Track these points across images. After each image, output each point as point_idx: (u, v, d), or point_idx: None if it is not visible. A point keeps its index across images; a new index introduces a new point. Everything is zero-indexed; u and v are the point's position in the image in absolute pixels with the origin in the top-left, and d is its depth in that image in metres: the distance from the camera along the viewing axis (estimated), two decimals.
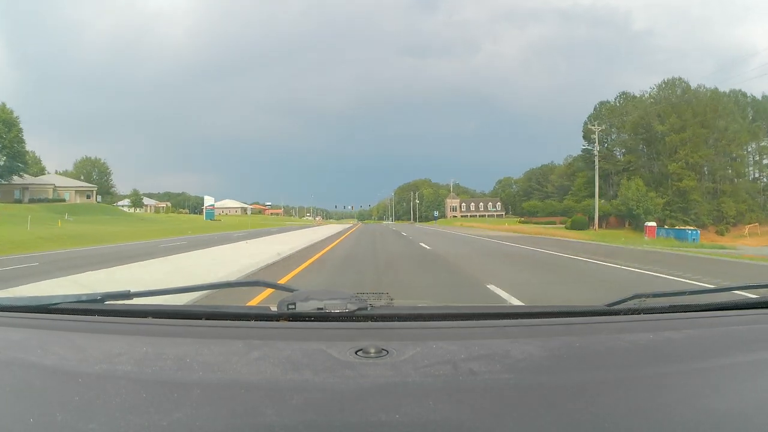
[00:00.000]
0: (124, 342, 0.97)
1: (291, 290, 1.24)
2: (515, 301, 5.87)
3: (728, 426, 0.69)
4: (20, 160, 55.91)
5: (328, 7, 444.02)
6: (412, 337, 1.00)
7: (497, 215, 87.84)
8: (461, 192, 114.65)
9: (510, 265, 11.30)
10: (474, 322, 1.15)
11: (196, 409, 0.69)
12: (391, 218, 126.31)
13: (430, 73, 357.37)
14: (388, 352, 0.88)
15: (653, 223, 31.79)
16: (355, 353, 0.88)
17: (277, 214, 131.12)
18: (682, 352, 0.98)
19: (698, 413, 0.72)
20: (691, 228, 32.29)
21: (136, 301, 1.30)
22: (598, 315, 1.23)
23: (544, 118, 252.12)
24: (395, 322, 1.12)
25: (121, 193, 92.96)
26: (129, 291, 1.29)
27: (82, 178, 75.85)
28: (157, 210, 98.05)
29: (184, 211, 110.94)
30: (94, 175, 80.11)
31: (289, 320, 1.11)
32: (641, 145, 56.59)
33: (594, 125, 47.52)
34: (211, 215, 78.26)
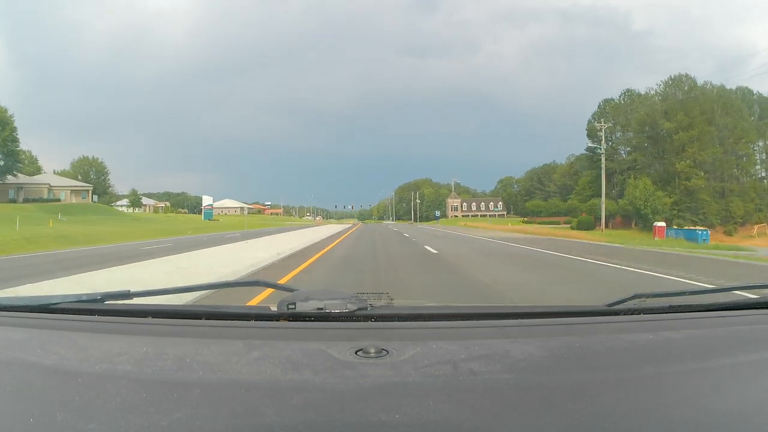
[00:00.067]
0: (124, 342, 0.97)
1: (291, 290, 1.24)
2: None
3: (729, 426, 0.69)
4: (14, 159, 55.75)
5: (328, 7, 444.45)
6: (412, 337, 1.00)
7: (498, 215, 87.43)
8: (462, 191, 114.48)
9: (541, 276, 9.42)
10: (474, 322, 1.15)
11: (196, 409, 0.69)
12: (391, 218, 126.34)
13: (430, 73, 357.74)
14: (388, 352, 0.88)
15: (662, 224, 31.32)
16: (355, 353, 0.88)
17: (277, 214, 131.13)
18: (682, 352, 0.98)
19: (698, 413, 0.72)
20: (701, 228, 31.79)
21: (136, 300, 1.30)
22: (598, 315, 1.23)
23: (544, 118, 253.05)
24: (395, 322, 1.12)
25: (121, 193, 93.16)
26: (129, 291, 1.29)
27: (79, 177, 75.63)
28: (155, 210, 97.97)
29: (183, 211, 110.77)
30: (92, 174, 79.89)
31: (289, 320, 1.11)
32: (646, 144, 55.70)
33: (600, 122, 46.68)
34: (209, 215, 77.91)
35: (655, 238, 27.05)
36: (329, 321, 1.09)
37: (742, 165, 54.70)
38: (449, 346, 0.92)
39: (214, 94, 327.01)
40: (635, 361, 0.91)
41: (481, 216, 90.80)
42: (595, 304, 1.30)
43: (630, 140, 58.27)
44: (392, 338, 0.96)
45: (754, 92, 56.38)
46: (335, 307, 1.09)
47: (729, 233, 46.26)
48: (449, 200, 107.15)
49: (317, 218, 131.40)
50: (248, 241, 17.95)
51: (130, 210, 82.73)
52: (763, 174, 57.28)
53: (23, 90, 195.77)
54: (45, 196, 60.09)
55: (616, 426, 0.67)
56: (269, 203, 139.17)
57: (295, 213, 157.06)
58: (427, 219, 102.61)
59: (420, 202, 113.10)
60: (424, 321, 1.15)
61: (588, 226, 47.05)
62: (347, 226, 58.68)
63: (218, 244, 16.55)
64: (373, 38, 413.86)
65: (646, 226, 42.70)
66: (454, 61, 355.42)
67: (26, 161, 66.96)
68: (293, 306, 1.10)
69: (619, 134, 59.88)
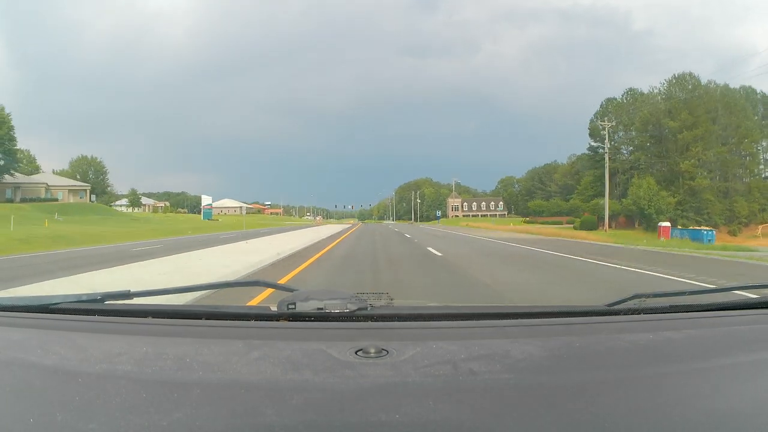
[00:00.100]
0: (124, 342, 0.97)
1: (291, 290, 1.24)
2: None
3: (728, 426, 0.69)
4: (12, 158, 55.51)
5: (328, 7, 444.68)
6: (412, 337, 1.00)
7: (499, 215, 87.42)
8: (463, 191, 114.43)
9: (560, 282, 8.51)
10: (474, 322, 1.15)
11: (196, 409, 0.69)
12: (391, 218, 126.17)
13: (430, 73, 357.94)
14: (388, 352, 0.88)
15: (667, 224, 30.95)
16: (355, 353, 0.88)
17: (277, 214, 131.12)
18: (682, 352, 0.98)
19: (698, 413, 0.72)
20: (707, 228, 31.32)
21: (136, 300, 1.30)
22: (598, 315, 1.23)
23: (544, 117, 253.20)
24: (395, 322, 1.11)
25: (120, 193, 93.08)
26: (129, 291, 1.29)
27: (78, 177, 75.44)
28: (155, 210, 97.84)
29: (182, 210, 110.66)
30: (90, 174, 79.69)
31: (289, 320, 1.11)
32: (649, 143, 55.03)
33: (604, 121, 45.98)
34: (208, 215, 77.59)
35: (661, 239, 26.68)
36: (329, 321, 1.09)
37: (746, 164, 54.27)
38: (449, 346, 0.92)
39: (214, 94, 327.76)
40: (635, 361, 0.91)
41: (481, 216, 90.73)
42: (595, 304, 1.30)
43: (633, 139, 57.76)
44: (392, 338, 0.96)
45: (758, 91, 55.91)
46: (335, 307, 1.08)
47: (733, 233, 45.94)
48: (450, 200, 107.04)
49: (317, 218, 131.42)
50: (238, 243, 17.21)
51: (130, 210, 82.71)
52: (767, 174, 56.68)
53: (23, 90, 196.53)
54: (42, 196, 59.94)
55: (616, 426, 0.67)
56: (269, 203, 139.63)
57: (295, 213, 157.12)
58: (428, 219, 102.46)
59: (420, 202, 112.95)
60: (424, 321, 1.14)
61: (591, 226, 46.57)
62: (347, 226, 58.49)
63: (211, 246, 15.79)
64: (373, 38, 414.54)
65: (650, 226, 42.26)
66: (454, 61, 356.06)
67: (25, 161, 66.88)
68: (293, 306, 1.10)
69: (621, 133, 59.19)
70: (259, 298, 4.91)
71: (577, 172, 70.61)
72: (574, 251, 15.50)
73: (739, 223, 49.32)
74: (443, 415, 0.68)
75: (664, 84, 55.34)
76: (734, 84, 54.28)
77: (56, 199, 60.57)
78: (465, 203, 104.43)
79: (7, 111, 52.85)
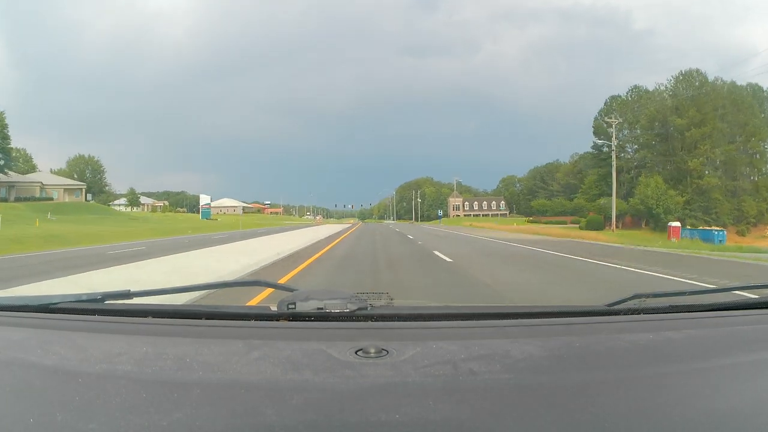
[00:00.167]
0: (124, 342, 0.97)
1: (291, 290, 1.24)
2: None
3: (728, 426, 0.69)
4: (6, 157, 55.40)
5: (328, 7, 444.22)
6: (412, 337, 1.00)
7: (501, 214, 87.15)
8: (464, 191, 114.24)
9: (589, 293, 7.27)
10: (474, 322, 1.15)
11: (196, 409, 0.69)
12: (392, 217, 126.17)
13: (430, 73, 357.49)
14: (388, 352, 0.88)
15: (677, 224, 30.08)
16: (355, 353, 0.88)
17: (277, 213, 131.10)
18: (683, 352, 0.98)
19: (698, 413, 0.72)
20: (717, 228, 30.93)
21: (136, 300, 1.30)
22: (598, 315, 1.23)
23: (544, 117, 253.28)
24: (395, 322, 1.11)
25: (119, 192, 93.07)
26: (129, 291, 1.29)
27: (75, 176, 75.34)
28: (153, 209, 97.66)
29: (182, 210, 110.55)
30: (88, 173, 79.55)
31: (289, 320, 1.11)
32: (655, 141, 54.02)
33: (611, 118, 44.72)
34: (207, 214, 77.17)
35: (672, 239, 26.02)
36: (329, 321, 1.09)
37: (755, 163, 53.52)
38: (449, 346, 0.92)
39: (214, 94, 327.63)
40: (635, 361, 0.91)
41: (483, 215, 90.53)
42: (595, 303, 1.30)
43: (638, 138, 56.80)
44: (392, 338, 0.96)
45: (765, 89, 54.93)
46: (335, 306, 1.08)
47: (741, 233, 45.42)
48: (451, 199, 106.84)
49: (317, 218, 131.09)
50: (227, 245, 16.20)
51: (128, 209, 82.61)
52: None
53: (23, 90, 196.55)
54: (37, 195, 59.89)
55: (616, 426, 0.67)
56: (268, 202, 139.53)
57: (295, 212, 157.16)
58: (428, 218, 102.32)
59: (421, 202, 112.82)
60: (424, 321, 1.14)
61: (597, 226, 45.89)
62: (347, 225, 58.20)
63: (200, 247, 14.75)
64: (373, 38, 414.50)
65: (658, 226, 41.75)
66: (454, 61, 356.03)
67: (21, 160, 66.80)
68: (293, 306, 1.10)
69: (626, 131, 57.77)
70: (259, 298, 4.90)
71: (580, 171, 70.12)
72: (589, 253, 13.97)
73: (747, 223, 48.77)
74: (443, 415, 0.68)
75: (670, 81, 54.54)
76: (738, 82, 53.63)
77: (51, 199, 60.54)
78: (466, 203, 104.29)
79: (1, 109, 52.94)
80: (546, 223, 61.26)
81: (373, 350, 0.88)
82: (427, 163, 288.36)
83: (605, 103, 63.20)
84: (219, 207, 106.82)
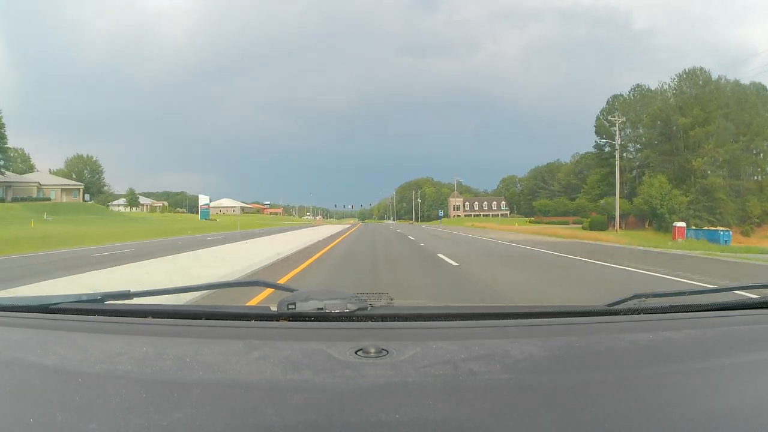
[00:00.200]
0: (124, 342, 0.97)
1: (291, 290, 1.24)
2: None
3: (728, 426, 0.69)
4: (3, 156, 55.33)
5: (328, 7, 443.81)
6: (412, 337, 1.00)
7: (501, 215, 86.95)
8: (464, 191, 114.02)
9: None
10: (474, 322, 1.15)
11: (196, 409, 0.69)
12: (392, 218, 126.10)
13: (430, 73, 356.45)
14: (388, 352, 0.88)
15: (683, 224, 29.27)
16: (355, 353, 0.88)
17: (276, 214, 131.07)
18: (682, 352, 0.98)
19: (698, 413, 0.72)
20: (723, 228, 30.38)
21: (136, 300, 1.30)
22: (598, 315, 1.23)
23: (544, 117, 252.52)
24: (395, 322, 1.12)
25: (119, 192, 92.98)
26: (129, 291, 1.29)
27: (73, 176, 75.18)
28: (152, 209, 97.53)
29: (181, 210, 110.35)
30: (86, 173, 79.36)
31: (289, 320, 1.11)
32: (658, 140, 53.31)
33: (614, 116, 44.47)
34: (206, 215, 76.34)
35: (679, 240, 25.29)
36: (329, 321, 1.09)
37: (758, 162, 53.14)
38: (449, 346, 0.92)
39: (214, 94, 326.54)
40: (635, 361, 0.91)
41: (483, 216, 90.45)
42: (595, 303, 1.30)
43: (640, 137, 56.41)
44: (392, 338, 0.96)
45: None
46: (335, 307, 1.09)
47: (746, 234, 44.88)
48: (451, 199, 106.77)
49: (317, 218, 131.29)
50: (217, 247, 15.07)
51: (127, 209, 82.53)
52: None
53: (23, 90, 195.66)
54: (34, 195, 59.70)
55: (616, 426, 0.67)
56: (268, 203, 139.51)
57: (295, 212, 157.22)
58: (428, 218, 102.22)
59: (421, 202, 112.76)
60: (424, 321, 1.15)
61: (601, 226, 45.42)
62: (346, 226, 58.05)
63: (188, 250, 14.00)
64: (373, 38, 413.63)
65: (661, 226, 41.39)
66: (454, 61, 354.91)
67: (19, 159, 66.67)
68: (293, 306, 1.11)
69: (628, 131, 56.97)
70: (259, 298, 4.89)
71: (581, 171, 70.02)
72: (616, 258, 12.65)
73: (751, 223, 48.33)
74: (443, 415, 0.68)
75: (674, 79, 54.09)
76: (740, 81, 53.12)
77: (49, 199, 60.34)
78: (467, 203, 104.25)
79: None
80: (548, 223, 60.67)
81: (373, 350, 0.88)
82: (427, 163, 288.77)
83: (607, 102, 62.99)
84: (218, 207, 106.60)
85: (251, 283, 1.58)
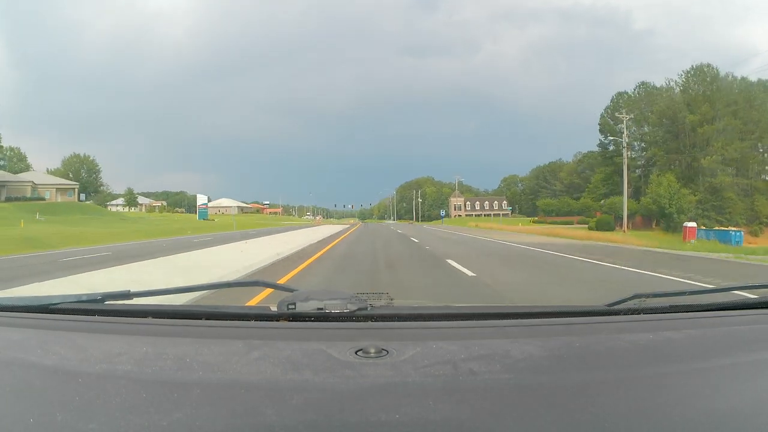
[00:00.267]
0: (124, 342, 0.97)
1: (291, 290, 1.25)
2: None
3: (728, 426, 0.69)
4: None
5: (328, 7, 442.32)
6: (412, 337, 1.00)
7: (503, 214, 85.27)
8: (465, 190, 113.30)
9: None
10: (474, 322, 1.15)
11: (196, 409, 0.70)
12: (392, 218, 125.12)
13: (430, 73, 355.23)
14: (388, 352, 0.88)
15: (693, 224, 28.19)
16: (355, 353, 0.88)
17: (276, 213, 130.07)
18: (683, 352, 0.98)
19: (698, 413, 0.72)
20: (735, 229, 29.62)
21: (136, 301, 1.31)
22: (598, 315, 1.23)
23: (544, 117, 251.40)
24: (395, 322, 1.12)
25: (117, 192, 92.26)
26: (129, 291, 1.30)
27: (70, 175, 74.54)
28: (150, 209, 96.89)
29: (180, 210, 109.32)
30: (83, 172, 78.71)
31: (289, 320, 1.12)
32: (665, 138, 52.03)
33: (620, 113, 43.01)
34: (204, 215, 75.11)
35: (691, 241, 24.17)
36: (329, 321, 1.10)
37: (767, 161, 52.16)
38: (449, 346, 0.92)
39: (214, 94, 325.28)
40: (635, 361, 0.91)
41: (484, 215, 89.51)
42: (595, 303, 1.29)
43: (646, 135, 55.22)
44: (392, 338, 0.96)
45: None
46: (335, 307, 1.09)
47: (755, 234, 43.83)
48: (452, 199, 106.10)
49: (317, 218, 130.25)
50: (207, 249, 14.41)
51: (126, 209, 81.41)
52: None
53: (23, 90, 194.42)
54: (28, 195, 58.98)
55: (616, 426, 0.67)
56: (267, 203, 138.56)
57: (295, 212, 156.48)
58: (429, 218, 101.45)
59: (422, 201, 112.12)
60: (424, 321, 1.15)
61: (608, 226, 43.96)
62: (346, 226, 57.53)
63: (174, 252, 13.41)
64: (373, 38, 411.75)
65: (669, 226, 40.61)
66: (454, 61, 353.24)
67: (15, 159, 65.62)
68: (293, 306, 1.11)
69: (633, 129, 55.38)
70: (259, 298, 4.86)
71: (584, 170, 68.98)
72: (648, 262, 11.53)
73: (760, 223, 47.38)
74: (443, 415, 0.69)
75: (681, 76, 52.93)
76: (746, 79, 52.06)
77: (43, 199, 59.74)
78: (468, 202, 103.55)
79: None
80: (551, 223, 58.74)
81: (373, 350, 0.88)
82: (427, 163, 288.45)
83: (612, 100, 61.83)
84: (218, 207, 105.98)
85: (251, 283, 1.59)
